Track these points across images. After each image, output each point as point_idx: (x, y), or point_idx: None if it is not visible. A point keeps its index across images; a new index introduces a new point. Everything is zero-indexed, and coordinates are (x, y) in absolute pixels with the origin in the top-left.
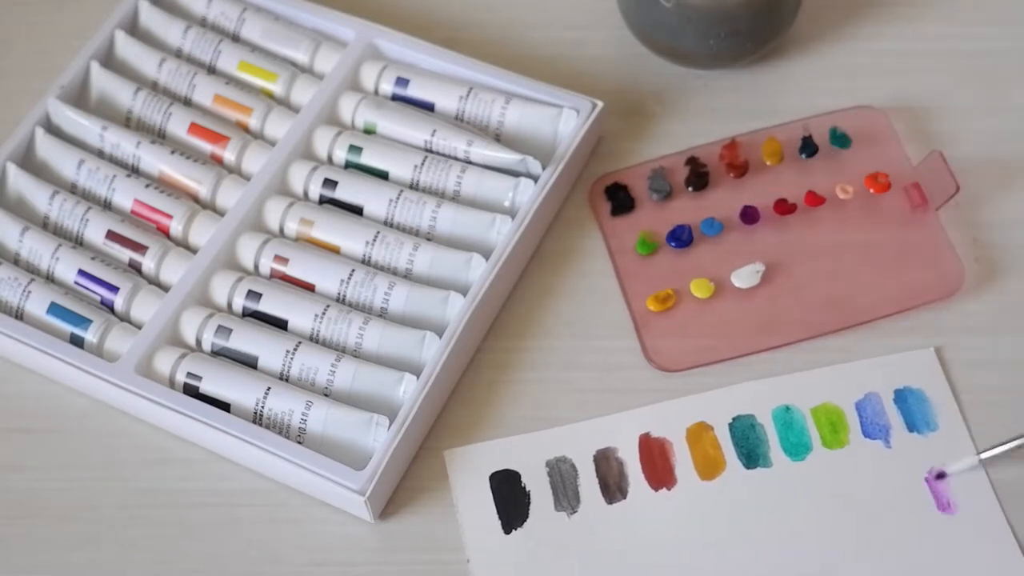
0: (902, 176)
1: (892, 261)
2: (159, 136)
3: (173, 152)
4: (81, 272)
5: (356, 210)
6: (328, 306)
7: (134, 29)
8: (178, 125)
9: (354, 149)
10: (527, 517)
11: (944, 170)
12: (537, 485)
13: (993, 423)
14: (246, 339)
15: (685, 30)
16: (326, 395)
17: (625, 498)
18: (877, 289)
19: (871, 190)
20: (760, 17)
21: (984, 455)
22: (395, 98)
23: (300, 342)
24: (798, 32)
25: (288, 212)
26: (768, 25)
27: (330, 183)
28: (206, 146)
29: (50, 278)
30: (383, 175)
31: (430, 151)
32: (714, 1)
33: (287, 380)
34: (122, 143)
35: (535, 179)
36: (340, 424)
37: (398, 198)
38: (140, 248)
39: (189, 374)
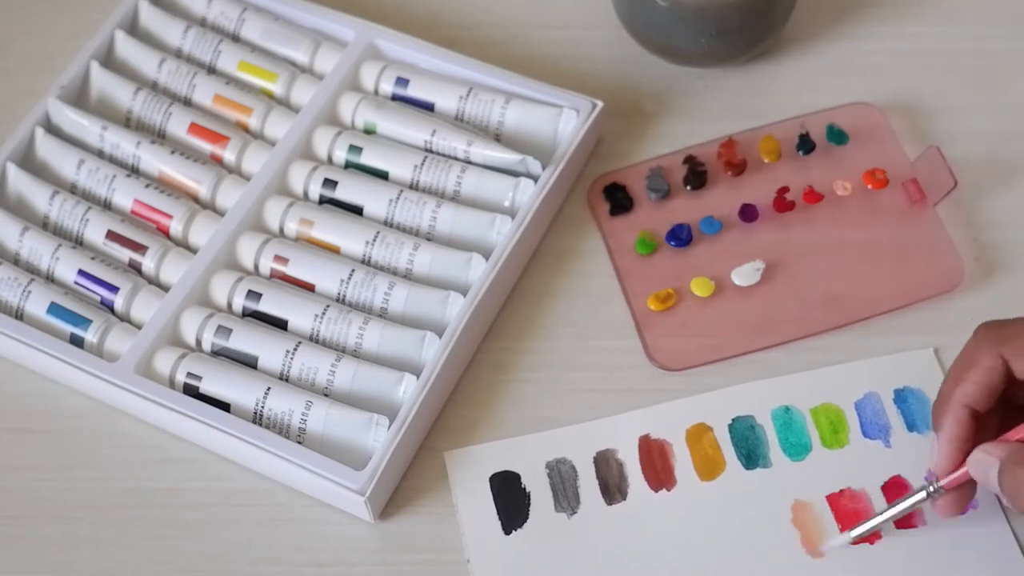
0: (900, 172)
1: (891, 257)
2: (159, 136)
3: (173, 152)
4: (81, 272)
5: (356, 210)
6: (328, 306)
7: (134, 29)
8: (178, 125)
9: (354, 149)
10: (527, 518)
11: (942, 165)
12: (537, 486)
13: None
14: (246, 339)
15: (677, 28)
16: (326, 395)
17: (625, 499)
18: (877, 285)
19: (869, 186)
20: (751, 16)
21: (854, 533)
22: (395, 98)
23: (300, 342)
24: (795, 30)
25: (288, 212)
26: (759, 24)
27: (330, 183)
28: (206, 146)
29: (50, 278)
30: (383, 175)
31: (430, 151)
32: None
33: (287, 380)
34: (122, 143)
35: (535, 179)
36: (340, 424)
37: (398, 198)
38: (140, 248)
39: (189, 374)
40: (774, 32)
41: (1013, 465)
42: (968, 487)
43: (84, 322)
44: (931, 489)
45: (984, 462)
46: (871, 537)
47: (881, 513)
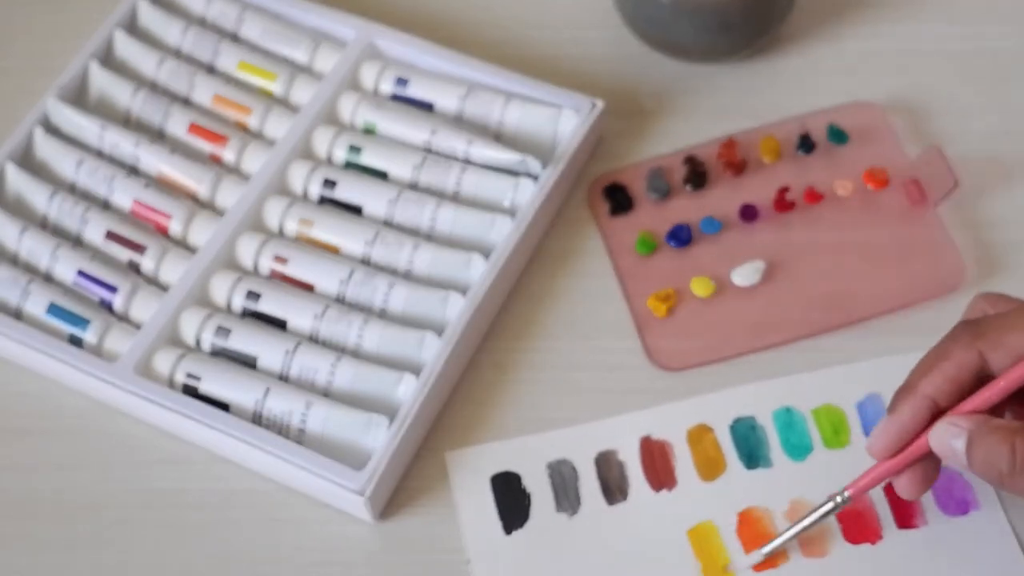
0: (900, 172)
1: (892, 258)
2: (158, 136)
3: (172, 152)
4: (80, 272)
5: (355, 210)
6: (328, 306)
7: (133, 29)
8: (177, 125)
9: (353, 149)
10: (528, 518)
11: (942, 165)
12: (538, 487)
13: None
14: (245, 339)
15: (679, 22)
16: (326, 395)
17: (626, 499)
18: (878, 286)
19: (869, 186)
20: (751, 11)
21: (763, 551)
22: (395, 98)
23: (299, 342)
24: (796, 29)
25: (287, 212)
26: (760, 19)
27: (329, 183)
28: (205, 146)
29: (49, 278)
30: (382, 175)
31: (430, 151)
32: None
33: (287, 380)
34: (121, 143)
35: (535, 179)
36: (340, 424)
37: (397, 198)
38: (139, 248)
39: (188, 374)
40: (774, 27)
41: (983, 436)
42: (929, 465)
43: (83, 322)
44: (839, 499)
45: (949, 434)
46: (871, 536)
47: (786, 531)
